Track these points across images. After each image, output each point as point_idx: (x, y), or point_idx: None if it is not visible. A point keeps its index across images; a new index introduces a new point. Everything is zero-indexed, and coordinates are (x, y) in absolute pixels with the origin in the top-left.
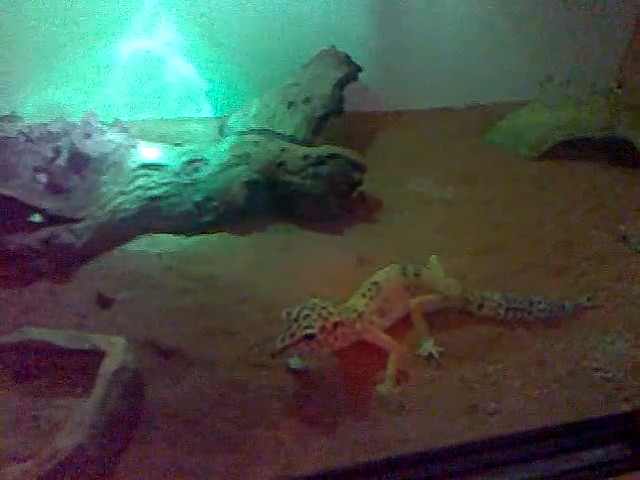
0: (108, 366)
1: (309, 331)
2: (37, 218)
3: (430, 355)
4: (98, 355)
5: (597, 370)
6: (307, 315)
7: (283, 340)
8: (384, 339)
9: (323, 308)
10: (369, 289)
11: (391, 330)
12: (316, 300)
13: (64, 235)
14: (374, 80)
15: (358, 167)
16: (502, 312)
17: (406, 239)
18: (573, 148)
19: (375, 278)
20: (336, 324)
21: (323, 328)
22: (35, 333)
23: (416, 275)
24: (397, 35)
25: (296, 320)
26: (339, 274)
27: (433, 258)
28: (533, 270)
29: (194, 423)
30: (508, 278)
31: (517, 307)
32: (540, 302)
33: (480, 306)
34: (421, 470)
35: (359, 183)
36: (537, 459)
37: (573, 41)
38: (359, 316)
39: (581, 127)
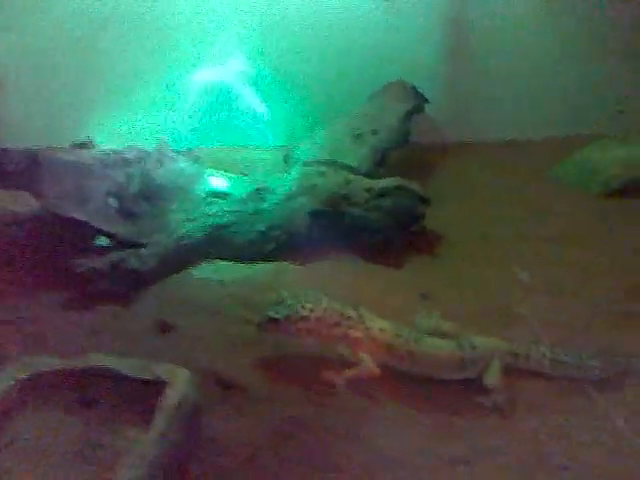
0: (169, 398)
1: (275, 315)
2: (105, 242)
3: (496, 404)
4: (160, 385)
5: None
6: (291, 302)
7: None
8: (363, 360)
9: (307, 300)
10: (412, 336)
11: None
12: (310, 291)
13: (131, 260)
14: (441, 111)
15: (422, 200)
16: (547, 364)
17: (470, 276)
18: None
19: (429, 342)
20: (302, 317)
21: (288, 317)
22: (100, 359)
23: (472, 348)
24: (465, 65)
25: (282, 302)
26: (399, 309)
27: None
28: (603, 316)
29: (252, 460)
30: (577, 324)
31: (566, 362)
32: (592, 358)
33: (527, 358)
34: None
35: (423, 216)
36: None
37: None
38: (366, 329)
39: None
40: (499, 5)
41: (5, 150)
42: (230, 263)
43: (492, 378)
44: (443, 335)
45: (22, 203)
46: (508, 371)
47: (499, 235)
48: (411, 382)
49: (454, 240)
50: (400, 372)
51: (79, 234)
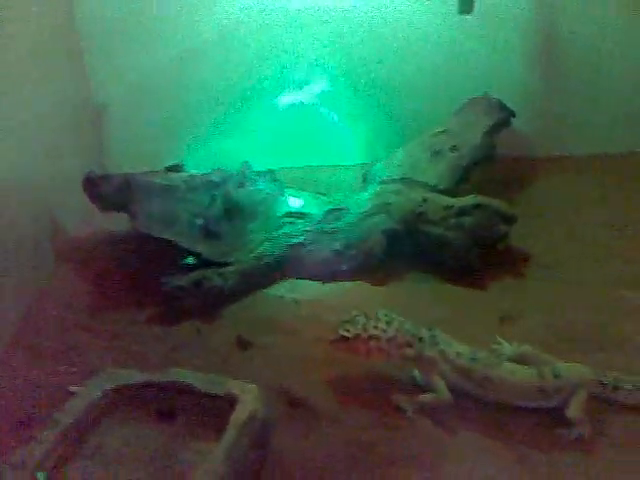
0: (239, 414)
1: (345, 334)
2: (192, 261)
3: (580, 436)
4: (232, 401)
5: None
6: (362, 321)
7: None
8: (436, 384)
9: (379, 320)
10: (489, 361)
11: None
12: (383, 311)
13: (213, 278)
14: (529, 124)
15: (506, 218)
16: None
17: (556, 298)
18: None
19: (507, 368)
20: (370, 337)
21: (358, 336)
22: (178, 374)
23: (556, 377)
24: (554, 77)
25: (353, 321)
26: (478, 333)
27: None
28: None
29: None
30: None
31: None
32: None
33: (615, 389)
34: None
35: (506, 235)
36: None
37: None
38: (440, 352)
39: None
40: (592, 15)
41: (103, 175)
42: (306, 282)
43: (576, 409)
44: (526, 361)
45: (119, 224)
46: (595, 402)
47: (590, 254)
48: (487, 409)
49: (541, 260)
50: (476, 398)
51: (168, 253)
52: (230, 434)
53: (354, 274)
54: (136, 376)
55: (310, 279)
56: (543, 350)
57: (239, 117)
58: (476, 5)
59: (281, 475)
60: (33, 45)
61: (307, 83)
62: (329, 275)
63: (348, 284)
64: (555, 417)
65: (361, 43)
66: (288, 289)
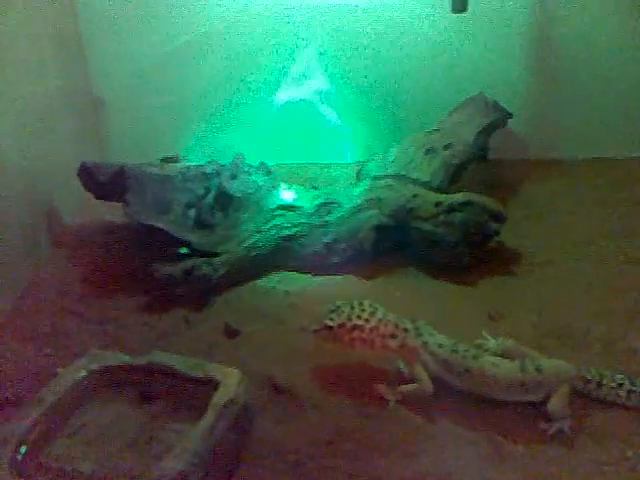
0: (219, 397)
1: (329, 323)
2: (184, 250)
3: (560, 431)
4: (213, 385)
5: None
6: (346, 311)
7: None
8: (418, 374)
9: (363, 310)
10: (471, 353)
11: None
12: (367, 302)
13: (203, 267)
14: (525, 126)
15: (496, 216)
16: (623, 394)
17: (545, 297)
18: None
19: (489, 360)
20: (354, 326)
21: (342, 325)
22: (162, 357)
23: (538, 371)
24: (552, 79)
25: (337, 310)
26: (464, 328)
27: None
28: None
29: (295, 465)
30: None
31: None
32: None
33: (599, 385)
34: None
35: (496, 233)
36: None
37: None
38: (423, 343)
39: None
40: (589, 17)
41: (98, 164)
42: (296, 274)
43: (557, 404)
44: (510, 356)
45: (116, 214)
46: (579, 398)
47: (581, 255)
48: (469, 401)
49: (533, 260)
50: (458, 390)
51: (161, 243)
52: (209, 416)
53: (344, 267)
54: (121, 358)
55: (300, 271)
56: (529, 347)
57: (238, 109)
58: (470, 5)
59: (262, 459)
60: (32, 34)
61: (302, 80)
62: (319, 268)
63: (338, 277)
64: (537, 411)
65: (356, 41)
66: (278, 280)
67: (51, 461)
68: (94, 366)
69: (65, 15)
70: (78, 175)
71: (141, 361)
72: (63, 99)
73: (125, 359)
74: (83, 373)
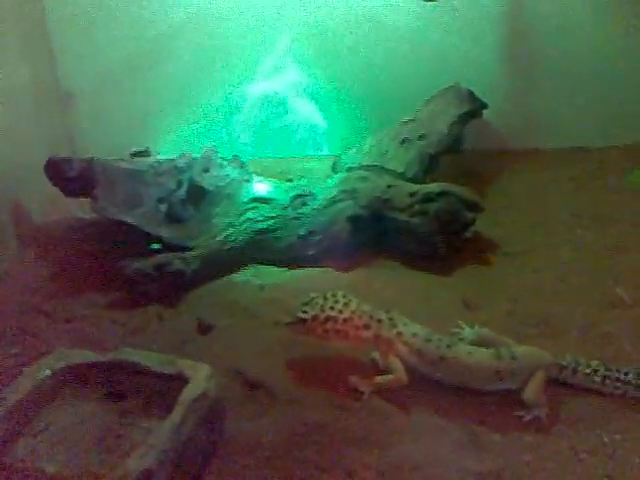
0: (188, 393)
1: (302, 316)
2: (156, 246)
3: (536, 418)
4: (183, 380)
5: None
6: (319, 302)
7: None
8: (393, 365)
9: (336, 301)
10: (445, 342)
11: None
12: (340, 293)
13: (176, 262)
14: (501, 117)
15: (471, 206)
16: (598, 380)
17: (521, 285)
18: None
19: (463, 349)
20: (327, 318)
21: (316, 317)
22: (130, 354)
23: (513, 359)
24: (526, 69)
25: (310, 303)
26: (440, 318)
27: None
28: None
29: (269, 460)
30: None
31: (618, 378)
32: None
33: (574, 371)
34: None
35: (472, 223)
36: None
37: None
38: (398, 334)
39: None
40: (565, 6)
41: (66, 159)
42: (271, 267)
43: (532, 392)
44: (485, 344)
45: (86, 210)
46: (555, 385)
47: (557, 244)
48: (444, 391)
49: (508, 249)
50: (434, 380)
51: (134, 239)
52: (177, 413)
53: (320, 259)
54: (88, 356)
55: (276, 265)
56: (504, 335)
57: (211, 103)
58: None
59: (234, 455)
60: None
61: (278, 72)
62: (295, 260)
63: (314, 270)
64: (513, 399)
65: (330, 33)
66: (253, 274)
67: (15, 461)
68: (60, 364)
69: (32, 9)
70: (45, 170)
71: (108, 358)
72: (30, 94)
73: (92, 357)
74: (47, 372)
